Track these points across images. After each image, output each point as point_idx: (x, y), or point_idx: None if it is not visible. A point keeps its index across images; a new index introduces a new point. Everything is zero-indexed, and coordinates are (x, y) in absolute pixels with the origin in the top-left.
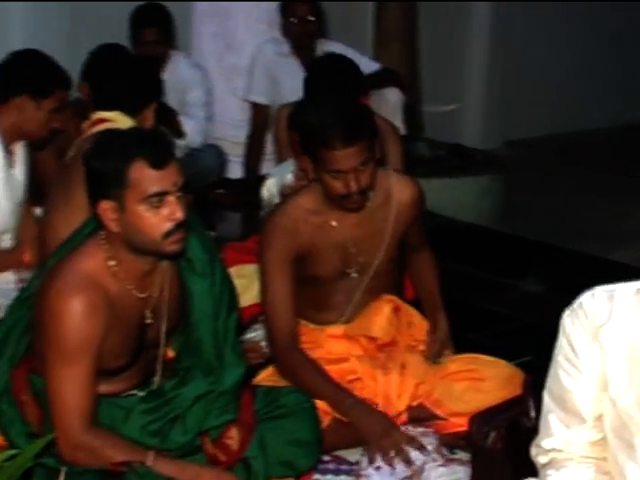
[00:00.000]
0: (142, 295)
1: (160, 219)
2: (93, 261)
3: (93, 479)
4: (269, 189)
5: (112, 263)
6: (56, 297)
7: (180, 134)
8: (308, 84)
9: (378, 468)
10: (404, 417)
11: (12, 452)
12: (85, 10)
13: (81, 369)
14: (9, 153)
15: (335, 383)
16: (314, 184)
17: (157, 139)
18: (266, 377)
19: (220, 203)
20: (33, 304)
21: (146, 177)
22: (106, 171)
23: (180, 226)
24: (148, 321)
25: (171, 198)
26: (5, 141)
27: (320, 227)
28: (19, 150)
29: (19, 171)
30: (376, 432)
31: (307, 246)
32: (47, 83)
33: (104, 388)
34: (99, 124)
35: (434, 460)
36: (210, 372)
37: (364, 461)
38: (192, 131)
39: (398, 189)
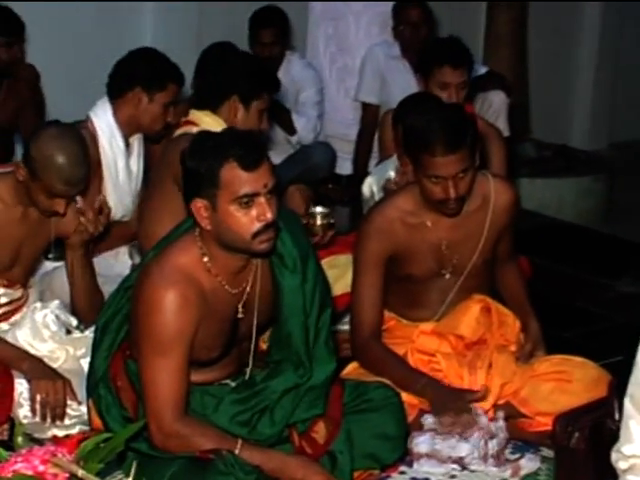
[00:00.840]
0: (234, 290)
1: (250, 219)
2: (188, 256)
3: (182, 465)
4: (369, 186)
5: (206, 259)
6: (152, 289)
7: (292, 131)
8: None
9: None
10: (490, 415)
11: (106, 435)
12: (213, 9)
13: (174, 360)
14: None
15: (410, 366)
16: (413, 185)
17: (250, 141)
18: (353, 370)
19: (330, 198)
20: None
21: (237, 178)
22: (200, 171)
23: (269, 226)
24: (240, 316)
25: (261, 199)
26: (123, 133)
27: (416, 228)
28: (136, 142)
29: (134, 162)
30: (446, 406)
31: (402, 246)
32: (160, 77)
33: (197, 377)
34: (185, 126)
35: (485, 458)
36: (299, 366)
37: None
38: (304, 129)
39: (496, 193)
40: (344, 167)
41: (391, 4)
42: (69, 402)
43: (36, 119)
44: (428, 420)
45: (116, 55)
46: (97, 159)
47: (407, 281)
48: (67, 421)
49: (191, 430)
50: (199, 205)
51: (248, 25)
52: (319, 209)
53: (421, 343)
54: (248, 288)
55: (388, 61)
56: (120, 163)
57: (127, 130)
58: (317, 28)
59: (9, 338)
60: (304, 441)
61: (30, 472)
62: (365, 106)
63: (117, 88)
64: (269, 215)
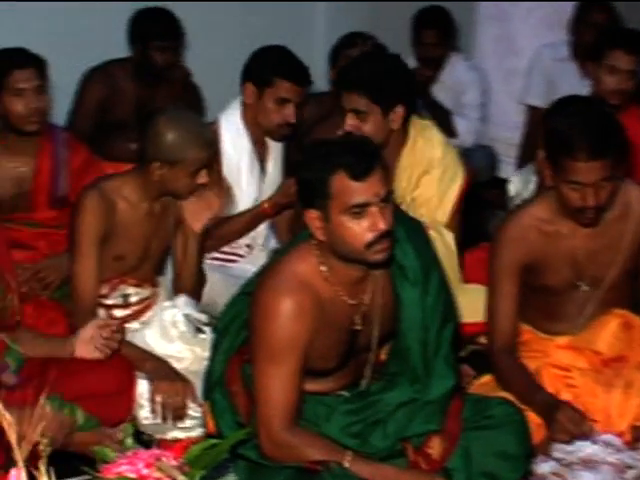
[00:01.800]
0: (352, 301)
1: (362, 230)
2: (306, 265)
3: (289, 475)
4: (515, 186)
5: (324, 268)
6: (268, 296)
7: (453, 133)
8: None
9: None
10: (628, 437)
11: (213, 441)
12: (384, 8)
13: (287, 368)
14: (259, 144)
15: (536, 383)
16: (550, 192)
17: (361, 149)
18: (477, 386)
19: (491, 202)
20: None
21: (347, 188)
22: (311, 181)
23: (384, 236)
24: (358, 327)
25: (373, 209)
26: (252, 133)
27: (551, 236)
28: (273, 144)
29: (271, 165)
30: (561, 424)
31: (537, 255)
32: (268, 72)
33: (312, 387)
34: None
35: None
36: (416, 380)
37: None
38: (465, 131)
39: (639, 203)
40: (507, 171)
41: (559, 5)
42: (190, 404)
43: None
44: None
45: (291, 39)
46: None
47: (543, 292)
48: (188, 422)
49: (300, 440)
50: (312, 216)
51: (411, 25)
52: None
53: (556, 357)
54: (367, 299)
55: (556, 63)
56: (244, 163)
57: (253, 129)
58: (484, 29)
59: (137, 338)
60: (419, 456)
61: (133, 475)
62: (531, 109)
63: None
64: (382, 225)
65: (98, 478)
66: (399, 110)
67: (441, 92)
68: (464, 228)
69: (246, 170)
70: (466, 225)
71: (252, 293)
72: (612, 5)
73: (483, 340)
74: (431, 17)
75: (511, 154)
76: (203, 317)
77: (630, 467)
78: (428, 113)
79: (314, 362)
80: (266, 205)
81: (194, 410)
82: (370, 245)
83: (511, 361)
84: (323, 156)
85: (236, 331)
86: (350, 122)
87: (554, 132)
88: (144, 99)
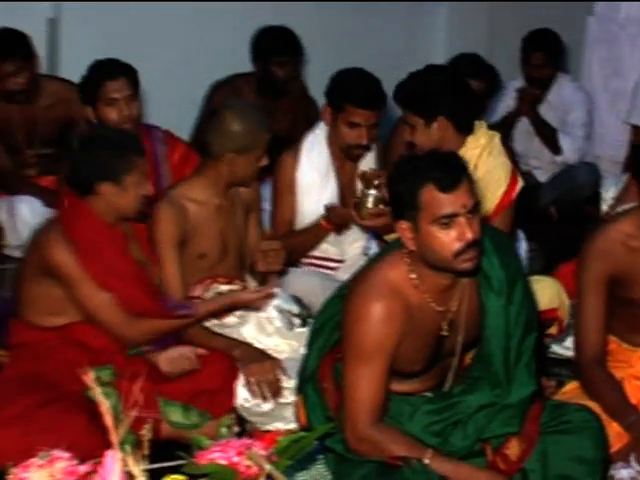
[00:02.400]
0: (440, 308)
1: (450, 239)
2: (396, 272)
3: (371, 469)
4: (605, 200)
5: (413, 276)
6: (360, 300)
7: (557, 150)
8: None
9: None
10: None
11: (301, 434)
12: (503, 9)
13: (375, 369)
14: (338, 162)
15: (626, 398)
16: (638, 208)
17: (448, 163)
18: (571, 390)
19: (593, 217)
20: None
21: (436, 200)
22: (402, 194)
23: (471, 245)
24: (444, 333)
25: (461, 219)
26: (332, 151)
27: (638, 251)
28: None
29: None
30: None
31: (623, 268)
32: (340, 97)
33: (398, 388)
34: None
35: None
36: (497, 385)
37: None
38: (569, 149)
39: None
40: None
41: None
42: (282, 378)
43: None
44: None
45: (413, 57)
46: (292, 174)
47: (628, 305)
48: (285, 398)
49: (384, 436)
50: (403, 227)
51: (520, 46)
52: (373, 192)
53: (639, 369)
54: (454, 307)
55: None
56: (313, 179)
57: (333, 148)
58: (592, 51)
59: (234, 333)
60: (497, 457)
61: (225, 462)
62: (635, 129)
63: None
64: (469, 235)
65: (192, 463)
66: (442, 121)
67: (548, 111)
68: (567, 242)
69: (318, 185)
70: (568, 239)
71: (345, 296)
72: None
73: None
74: (540, 39)
75: (614, 171)
76: (294, 308)
77: None
78: (535, 130)
79: (401, 364)
80: (323, 222)
81: (287, 383)
82: (458, 254)
83: (601, 373)
84: (412, 170)
85: (330, 331)
86: (405, 134)
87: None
88: (265, 111)
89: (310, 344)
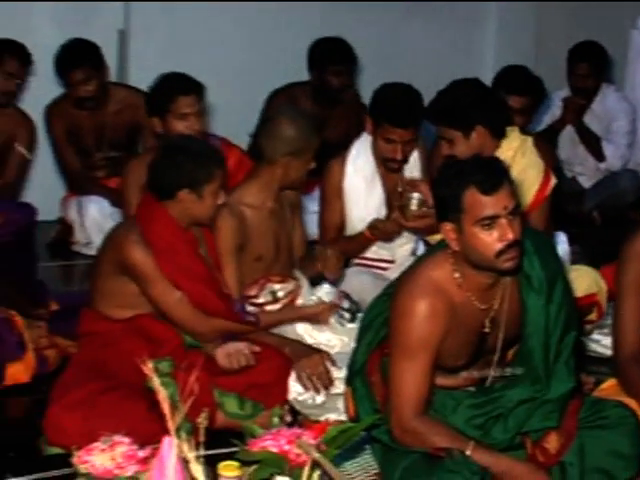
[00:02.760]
0: (483, 306)
1: (493, 240)
2: (441, 271)
3: (415, 459)
4: None
5: (457, 275)
6: (405, 297)
7: (601, 158)
8: None
9: None
10: None
11: (348, 425)
12: (551, 10)
13: (419, 363)
14: (383, 171)
15: None
16: None
17: (490, 167)
18: (609, 387)
19: (637, 221)
20: None
21: (478, 202)
22: (446, 197)
23: (512, 245)
24: (487, 330)
25: (502, 220)
26: (377, 160)
27: None
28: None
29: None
30: None
31: None
32: (377, 114)
33: (442, 382)
34: None
35: None
36: (537, 381)
37: None
38: (612, 156)
39: None
40: None
41: None
42: (332, 369)
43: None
44: None
45: (462, 67)
46: (339, 180)
47: None
48: (337, 389)
49: (427, 428)
50: (447, 228)
51: (567, 57)
52: (416, 195)
53: None
54: (496, 305)
55: None
56: (359, 185)
57: (376, 157)
58: (635, 62)
59: (289, 329)
60: (537, 449)
61: (276, 450)
62: None
63: None
64: (510, 235)
65: (245, 450)
66: (480, 130)
67: (592, 120)
68: (609, 245)
69: (364, 191)
70: (611, 242)
71: (392, 295)
72: None
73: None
74: (585, 51)
75: None
76: (344, 303)
77: None
78: (580, 138)
79: (445, 359)
80: (367, 233)
81: (338, 373)
82: (500, 254)
83: (638, 371)
84: (456, 174)
85: (378, 327)
86: (443, 149)
87: None
88: (320, 118)
89: (359, 339)
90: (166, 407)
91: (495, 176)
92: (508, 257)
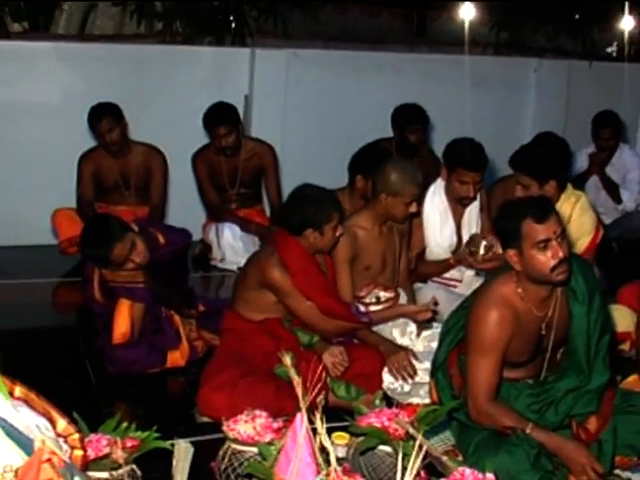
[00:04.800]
0: (540, 314)
1: (547, 259)
2: (507, 287)
3: (486, 435)
4: None
5: (520, 290)
6: (481, 308)
7: (619, 201)
8: None
9: None
10: None
11: (435, 407)
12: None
13: (491, 360)
14: (454, 207)
15: None
16: None
17: (541, 202)
18: (633, 381)
19: None
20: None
21: (533, 230)
22: (508, 228)
23: (563, 261)
24: (543, 332)
25: (554, 243)
26: (450, 199)
27: None
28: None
29: (465, 225)
30: None
31: None
32: (452, 161)
33: (508, 374)
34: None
35: None
36: (581, 373)
37: None
38: (627, 200)
39: None
40: None
41: None
42: (415, 362)
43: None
44: None
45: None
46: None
47: None
48: (420, 379)
49: (497, 411)
50: (511, 254)
51: (592, 122)
52: (484, 242)
53: None
54: (550, 313)
55: None
56: (435, 218)
57: (449, 197)
58: None
59: (385, 331)
60: (580, 429)
61: (379, 425)
62: None
63: None
64: (561, 254)
65: (355, 425)
66: (552, 183)
67: (612, 171)
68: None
69: (439, 222)
70: (626, 267)
71: (468, 307)
72: None
73: (624, 347)
74: (606, 119)
75: None
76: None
77: None
78: (602, 185)
79: (511, 356)
80: (451, 261)
81: (419, 365)
82: (553, 269)
83: None
84: (515, 209)
85: (456, 332)
86: (517, 192)
87: None
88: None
89: (440, 342)
90: (299, 390)
91: (545, 208)
92: (560, 271)
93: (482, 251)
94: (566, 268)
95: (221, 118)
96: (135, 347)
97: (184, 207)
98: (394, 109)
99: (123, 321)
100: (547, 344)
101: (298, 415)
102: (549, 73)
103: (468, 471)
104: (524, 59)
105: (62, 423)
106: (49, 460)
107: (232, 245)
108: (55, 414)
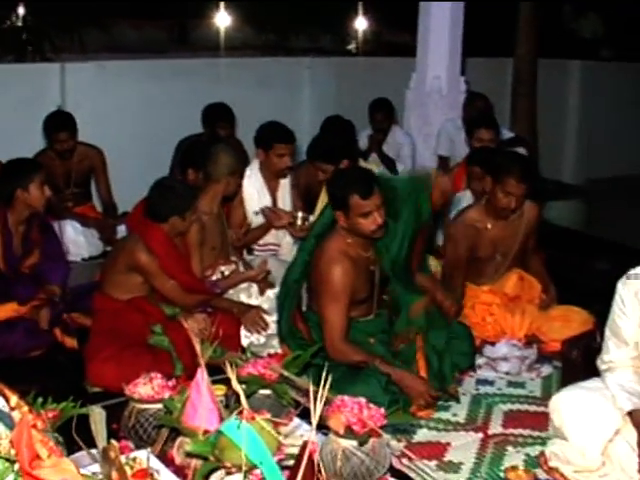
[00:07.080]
0: (367, 254)
1: (368, 223)
2: (338, 242)
3: (344, 370)
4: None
5: (349, 240)
6: (324, 264)
7: (396, 173)
8: None
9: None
10: (523, 340)
11: (297, 354)
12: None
13: (341, 305)
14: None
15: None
16: (480, 201)
17: (366, 178)
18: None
19: None
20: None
21: (359, 204)
22: (337, 196)
23: (381, 226)
24: (372, 268)
25: (375, 214)
26: (264, 175)
27: (481, 230)
28: (282, 183)
29: (280, 198)
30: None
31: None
32: (266, 138)
33: (354, 313)
34: None
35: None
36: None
37: None
38: (401, 172)
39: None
40: None
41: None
42: (265, 317)
43: None
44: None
45: None
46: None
47: (475, 261)
48: (270, 330)
49: (350, 349)
50: (339, 214)
51: (368, 108)
52: (300, 214)
53: (482, 298)
54: (372, 255)
55: (455, 130)
56: (254, 194)
57: (263, 173)
58: (410, 111)
59: (233, 296)
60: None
61: (256, 372)
62: (440, 158)
63: None
64: (379, 220)
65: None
66: (344, 162)
67: (389, 149)
68: None
69: (256, 199)
70: None
71: (312, 265)
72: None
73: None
74: (379, 104)
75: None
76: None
77: (526, 357)
78: (380, 161)
79: (354, 294)
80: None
81: (270, 318)
82: (373, 232)
83: None
84: (343, 181)
85: (293, 296)
86: (321, 177)
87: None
88: None
89: (280, 308)
90: (198, 347)
91: (369, 185)
92: (378, 232)
93: (299, 222)
94: (382, 230)
95: (62, 125)
96: (11, 332)
97: None
98: (205, 107)
99: None
100: (375, 279)
101: (199, 370)
102: (320, 69)
103: (346, 397)
104: (298, 58)
105: (14, 399)
106: (34, 426)
107: (74, 240)
108: (7, 392)
